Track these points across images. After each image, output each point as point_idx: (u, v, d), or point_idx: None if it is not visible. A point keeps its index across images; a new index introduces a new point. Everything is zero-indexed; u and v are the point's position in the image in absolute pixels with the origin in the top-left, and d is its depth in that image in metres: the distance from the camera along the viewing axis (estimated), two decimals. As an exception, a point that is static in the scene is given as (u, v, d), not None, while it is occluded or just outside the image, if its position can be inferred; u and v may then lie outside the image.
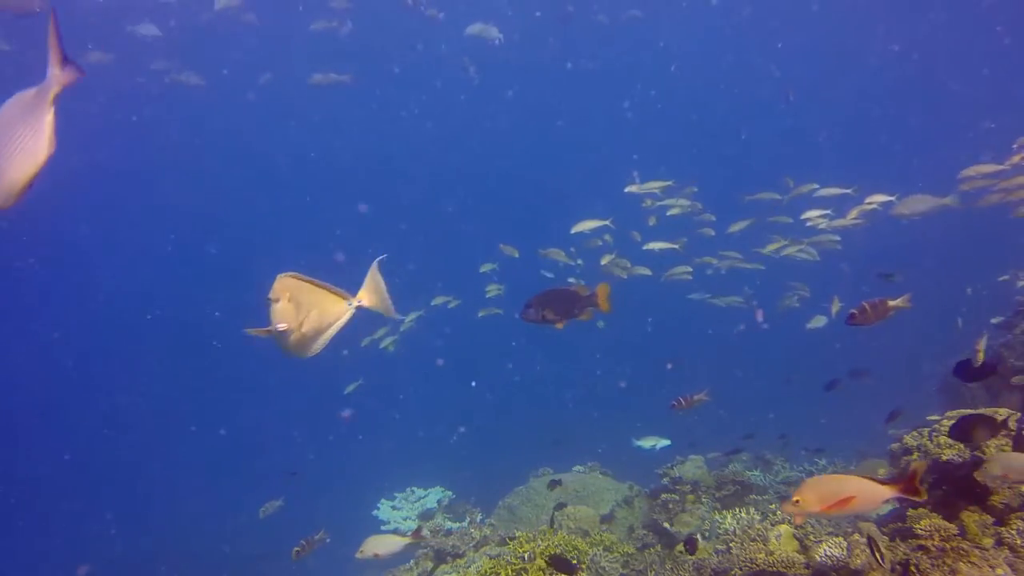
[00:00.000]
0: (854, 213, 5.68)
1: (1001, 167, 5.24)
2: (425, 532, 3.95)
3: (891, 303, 3.34)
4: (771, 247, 6.58)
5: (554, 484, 6.03)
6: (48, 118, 1.36)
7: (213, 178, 19.65)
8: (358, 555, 3.75)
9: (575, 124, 21.56)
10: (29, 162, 1.35)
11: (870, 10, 17.32)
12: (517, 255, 7.38)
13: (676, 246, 6.54)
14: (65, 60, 1.37)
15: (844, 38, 18.39)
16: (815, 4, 17.45)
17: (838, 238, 6.42)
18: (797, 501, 2.35)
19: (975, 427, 3.04)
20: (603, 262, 6.61)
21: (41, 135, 1.35)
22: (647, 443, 6.62)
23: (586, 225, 6.14)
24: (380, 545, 3.73)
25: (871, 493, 2.30)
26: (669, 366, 10.49)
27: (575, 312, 3.19)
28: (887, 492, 2.30)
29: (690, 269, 7.03)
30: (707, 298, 8.29)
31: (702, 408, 4.63)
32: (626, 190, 6.36)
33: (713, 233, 7.51)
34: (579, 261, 7.26)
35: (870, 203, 5.39)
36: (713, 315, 9.97)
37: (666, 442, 6.54)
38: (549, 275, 7.40)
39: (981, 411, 3.44)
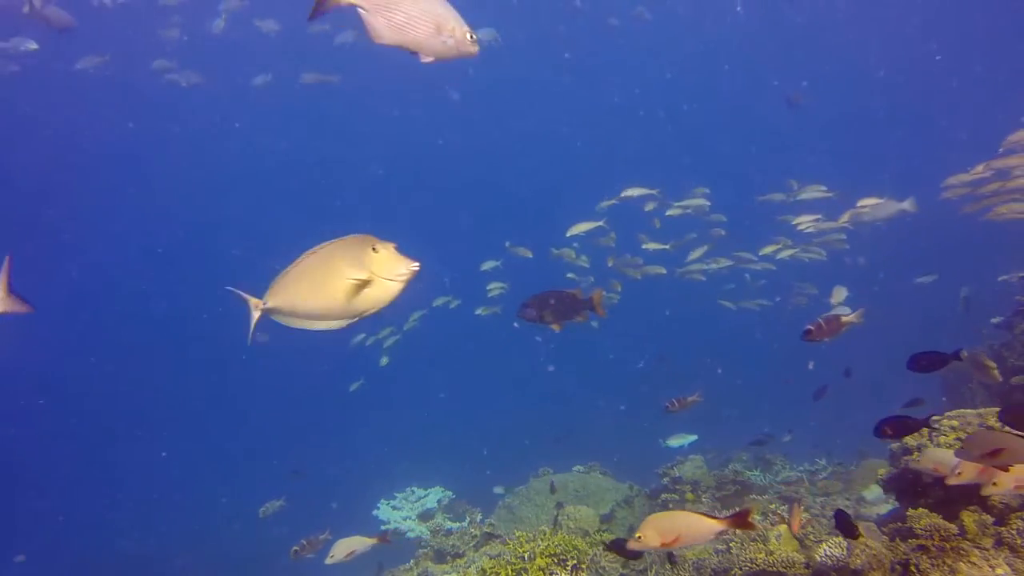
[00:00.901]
0: (846, 216, 5.73)
1: (979, 174, 5.29)
2: (390, 538, 4.11)
3: (844, 319, 3.39)
4: (769, 248, 6.62)
5: (551, 488, 6.06)
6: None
7: (215, 179, 19.67)
8: (328, 561, 3.84)
9: (579, 129, 21.61)
10: None
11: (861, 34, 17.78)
12: (531, 255, 7.44)
13: (667, 247, 6.65)
14: (11, 291, 1.90)
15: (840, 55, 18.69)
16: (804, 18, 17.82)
17: (844, 237, 6.46)
18: (639, 537, 2.49)
19: (895, 427, 3.08)
20: (609, 263, 6.69)
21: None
22: (676, 442, 6.66)
23: (582, 227, 6.23)
24: (348, 547, 3.84)
25: (704, 528, 2.47)
26: (719, 370, 10.57)
27: (572, 315, 3.20)
28: (718, 526, 2.47)
29: (704, 267, 7.12)
30: (723, 298, 8.34)
31: (700, 409, 4.65)
32: (620, 196, 6.43)
33: (723, 233, 7.56)
34: (583, 258, 7.33)
35: (863, 206, 5.44)
36: (715, 315, 9.97)
37: (693, 437, 6.59)
38: (571, 276, 7.51)
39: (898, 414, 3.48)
